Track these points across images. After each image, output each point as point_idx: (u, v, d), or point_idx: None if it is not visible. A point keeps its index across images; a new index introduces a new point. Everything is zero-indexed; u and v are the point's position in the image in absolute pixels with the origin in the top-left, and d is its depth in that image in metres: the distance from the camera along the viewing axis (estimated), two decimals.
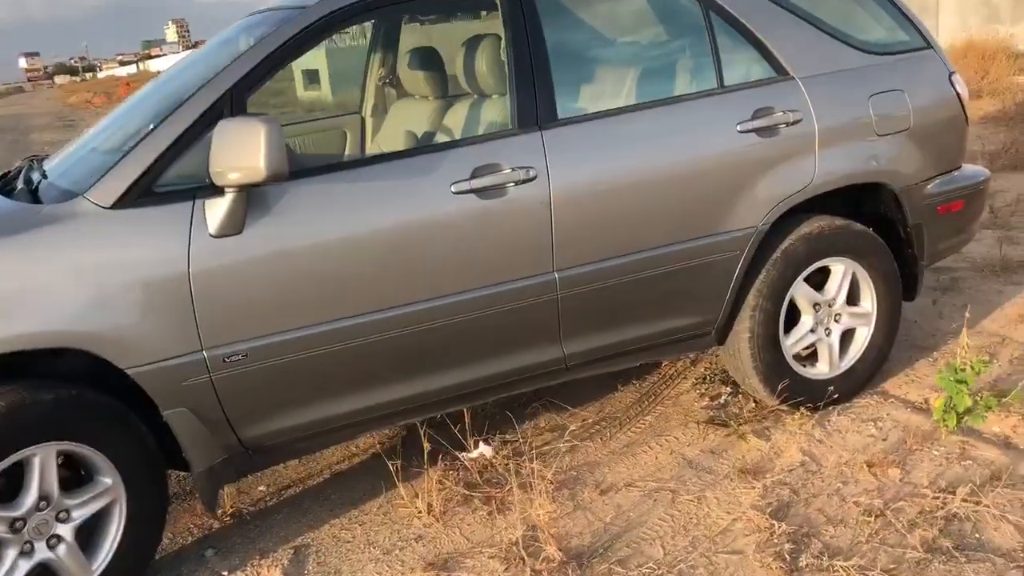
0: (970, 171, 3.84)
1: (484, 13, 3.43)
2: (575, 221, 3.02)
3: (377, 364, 2.89)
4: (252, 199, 2.64)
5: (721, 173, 3.22)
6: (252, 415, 2.77)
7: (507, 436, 3.65)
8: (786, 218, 3.40)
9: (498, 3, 3.05)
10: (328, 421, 2.92)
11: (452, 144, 3.15)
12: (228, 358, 2.66)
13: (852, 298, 3.64)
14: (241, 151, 2.47)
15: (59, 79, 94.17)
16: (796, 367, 3.55)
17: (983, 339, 4.16)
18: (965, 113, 3.73)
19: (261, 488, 3.48)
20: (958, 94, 3.68)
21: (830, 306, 3.57)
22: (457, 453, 3.37)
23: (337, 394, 2.88)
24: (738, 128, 3.23)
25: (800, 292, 3.49)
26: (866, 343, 3.66)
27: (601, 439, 3.58)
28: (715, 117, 3.24)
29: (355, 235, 2.77)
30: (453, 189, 2.86)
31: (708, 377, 4.00)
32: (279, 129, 2.49)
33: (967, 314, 3.67)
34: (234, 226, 2.61)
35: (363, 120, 4.41)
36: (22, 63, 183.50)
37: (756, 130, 3.26)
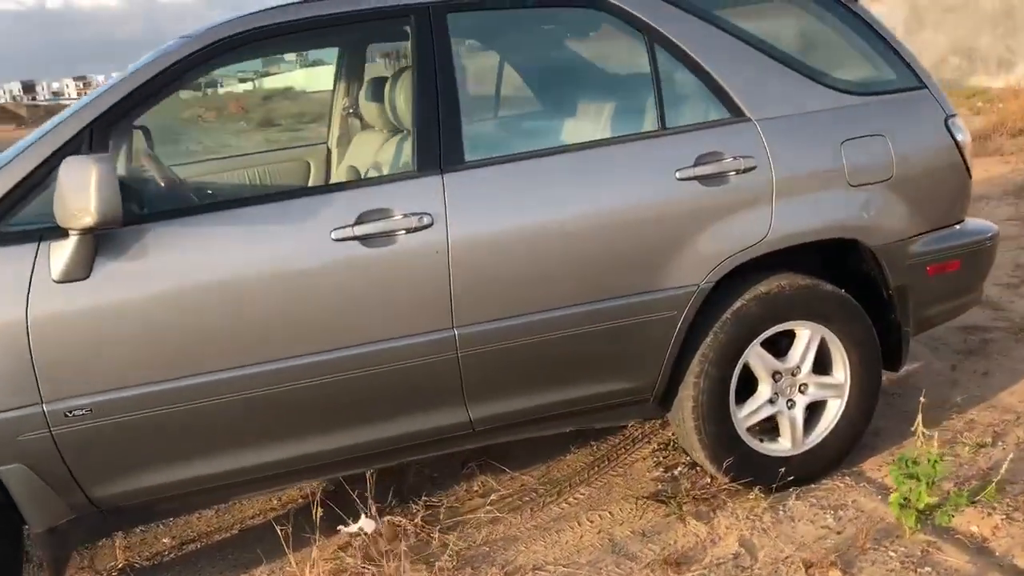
0: (973, 226, 3.39)
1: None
2: (478, 274, 2.72)
3: (246, 423, 2.65)
4: (106, 241, 2.44)
5: (655, 225, 2.88)
6: (102, 473, 2.56)
7: (436, 498, 3.36)
8: (738, 276, 3.02)
9: (409, 31, 2.79)
10: (196, 481, 2.70)
11: (341, 186, 2.90)
12: (71, 412, 2.46)
13: (823, 366, 3.22)
14: (77, 192, 2.27)
15: (185, 94, 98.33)
16: (750, 441, 3.16)
17: (995, 415, 3.68)
18: (966, 161, 3.28)
19: (165, 540, 3.29)
20: (956, 140, 3.24)
21: (793, 375, 3.17)
22: (377, 516, 3.09)
23: (202, 453, 2.65)
24: (677, 175, 2.88)
25: (756, 358, 3.10)
26: (837, 418, 3.24)
27: (531, 510, 3.26)
28: (650, 163, 2.90)
29: (217, 283, 2.55)
30: (334, 236, 2.61)
31: (672, 443, 3.63)
32: (112, 169, 2.28)
33: (959, 399, 3.21)
34: (79, 271, 2.42)
35: (328, 151, 4.21)
36: None
37: (699, 178, 2.90)
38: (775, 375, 3.15)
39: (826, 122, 3.08)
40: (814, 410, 3.26)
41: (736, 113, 2.99)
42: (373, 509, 3.02)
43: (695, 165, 2.90)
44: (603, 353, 2.92)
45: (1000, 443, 3.44)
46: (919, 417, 2.89)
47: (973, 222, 3.43)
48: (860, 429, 3.28)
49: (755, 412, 3.15)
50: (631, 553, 2.93)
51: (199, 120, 12.96)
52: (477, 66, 2.92)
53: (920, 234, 3.21)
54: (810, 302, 3.09)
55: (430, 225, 2.66)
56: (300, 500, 3.44)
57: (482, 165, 2.77)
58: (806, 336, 3.14)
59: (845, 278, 3.20)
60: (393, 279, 2.66)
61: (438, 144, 2.72)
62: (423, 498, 3.36)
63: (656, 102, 2.94)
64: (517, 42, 3.11)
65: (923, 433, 2.83)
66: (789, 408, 3.19)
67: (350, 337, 2.65)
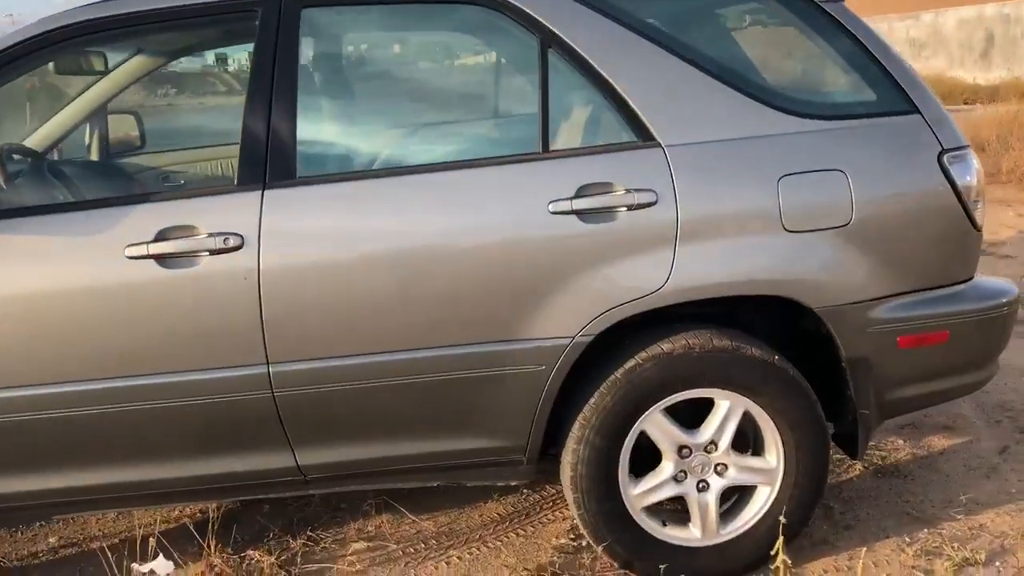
0: (979, 288, 2.69)
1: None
2: (295, 307, 2.41)
3: (49, 443, 2.49)
4: None
5: (519, 265, 2.45)
6: None
7: (321, 533, 3.10)
8: (637, 328, 2.54)
9: (256, 26, 2.50)
10: (11, 497, 2.57)
11: (144, 198, 2.64)
12: None
13: (756, 445, 2.67)
14: None
15: None
16: (647, 524, 2.67)
17: (1017, 521, 2.95)
18: (967, 209, 2.59)
19: (51, 540, 3.22)
20: (951, 180, 2.56)
21: (708, 452, 2.64)
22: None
23: (11, 469, 2.52)
24: (550, 208, 2.43)
25: (656, 428, 2.60)
26: (766, 508, 2.67)
27: (405, 564, 2.92)
28: (520, 191, 2.46)
29: (10, 296, 2.39)
30: (129, 252, 2.37)
31: None
32: None
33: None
34: None
35: None
36: None
37: (578, 212, 2.43)
38: (682, 450, 2.62)
39: (761, 152, 2.50)
40: (744, 495, 2.71)
41: (643, 136, 2.48)
42: (213, 545, 2.79)
43: (575, 197, 2.43)
44: (454, 406, 2.53)
45: (996, 563, 2.74)
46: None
47: (982, 283, 2.72)
48: (797, 525, 2.68)
49: (654, 490, 2.65)
50: None
51: None
52: (334, 69, 2.57)
53: (888, 296, 2.57)
54: (727, 368, 2.54)
55: (239, 247, 2.37)
56: (199, 515, 3.27)
57: (315, 182, 2.44)
58: (724, 408, 2.60)
59: (807, 341, 2.62)
60: (196, 305, 2.39)
61: (265, 156, 2.42)
62: (308, 532, 3.10)
63: (541, 118, 2.48)
64: (384, 43, 2.72)
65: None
66: (700, 491, 2.66)
67: (149, 364, 2.42)
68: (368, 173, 2.48)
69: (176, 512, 3.24)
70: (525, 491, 3.33)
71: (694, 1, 2.69)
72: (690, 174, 2.46)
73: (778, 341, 2.63)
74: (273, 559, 2.90)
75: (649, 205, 2.44)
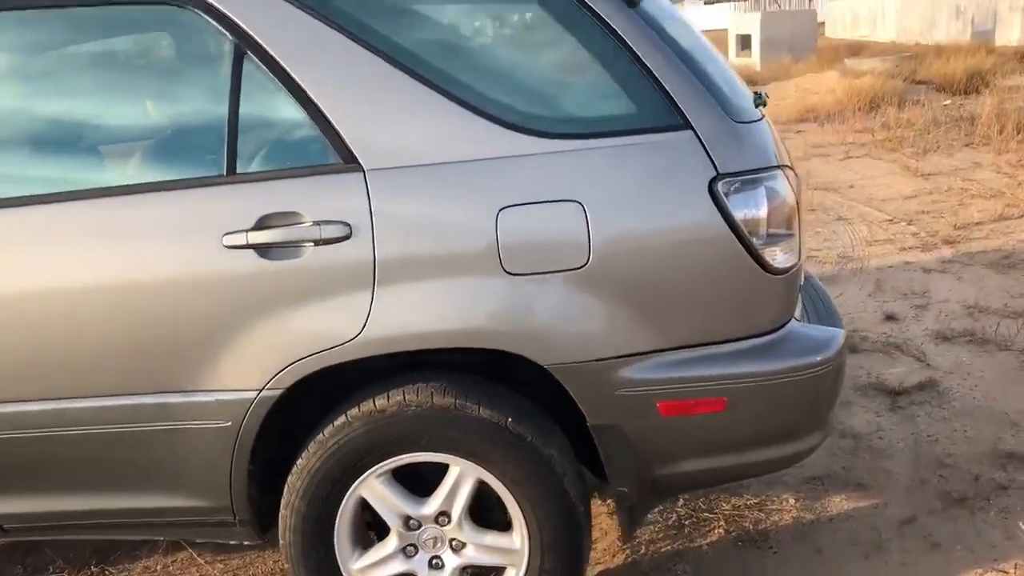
0: (792, 342, 2.19)
1: None
2: None
3: None
4: None
5: (190, 307, 2.14)
6: None
7: (109, 568, 2.92)
8: (335, 383, 2.20)
9: None
10: None
11: None
12: None
13: (504, 521, 2.28)
14: None
15: None
16: None
17: None
18: (748, 245, 2.09)
19: None
20: (725, 213, 2.07)
21: (441, 525, 2.27)
22: None
23: None
24: (224, 241, 2.11)
25: (374, 495, 2.25)
26: None
27: None
28: (193, 221, 2.14)
29: None
30: None
31: None
32: None
33: None
34: None
35: None
36: None
37: (256, 246, 2.10)
38: (410, 521, 2.26)
39: (481, 178, 2.09)
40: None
41: (346, 158, 2.12)
42: None
43: (252, 229, 2.10)
44: (137, 461, 2.27)
45: None
46: None
47: (796, 335, 2.21)
48: None
49: (378, 565, 2.31)
50: None
51: None
52: None
53: (642, 353, 2.11)
54: (448, 430, 2.16)
55: None
56: None
57: None
58: (454, 476, 2.22)
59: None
60: None
61: None
62: (94, 567, 2.93)
63: (228, 136, 2.15)
64: (66, 53, 2.42)
65: None
66: (433, 568, 2.29)
67: None
68: (11, 200, 2.19)
69: None
70: None
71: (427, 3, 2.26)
72: (393, 204, 2.08)
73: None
74: None
75: (340, 240, 2.07)
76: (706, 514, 2.98)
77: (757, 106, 2.63)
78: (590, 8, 2.10)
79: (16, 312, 2.14)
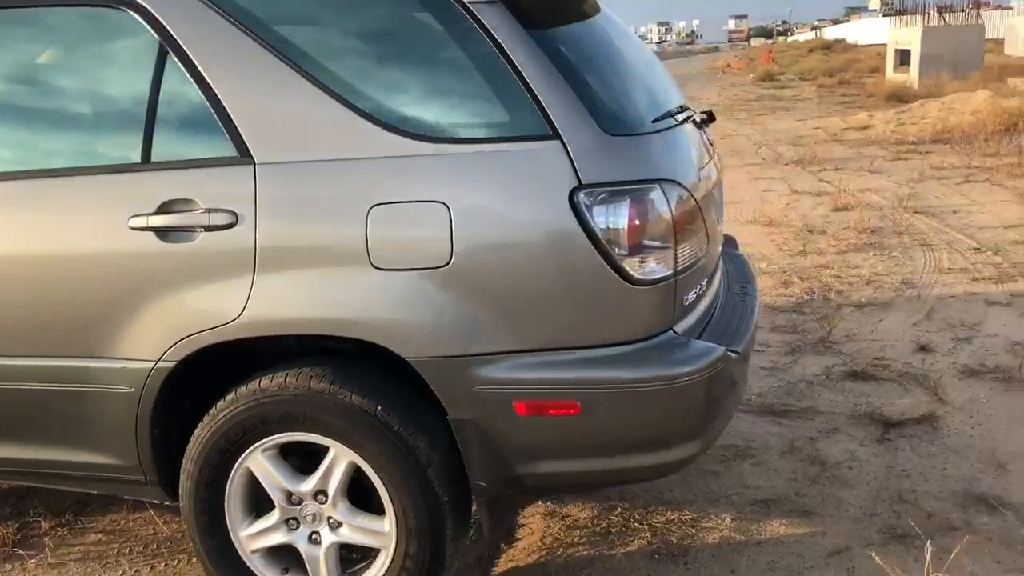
0: (660, 353, 2.22)
1: None
2: None
3: None
4: None
5: (101, 281, 2.37)
6: None
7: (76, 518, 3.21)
8: (242, 357, 2.39)
9: None
10: None
11: None
12: None
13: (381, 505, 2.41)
14: None
15: (755, 42, 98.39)
16: (260, 569, 2.50)
17: None
18: (608, 256, 2.14)
19: None
20: (584, 223, 2.13)
21: (320, 502, 2.42)
22: None
23: None
24: (130, 224, 2.33)
25: (258, 468, 2.42)
26: (384, 571, 2.41)
27: (113, 565, 2.96)
28: (108, 204, 2.37)
29: None
30: None
31: None
32: None
33: None
34: None
35: None
36: (730, 24, 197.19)
37: (156, 229, 2.31)
38: (292, 496, 2.42)
39: (356, 176, 2.22)
40: (373, 557, 2.45)
41: (242, 152, 2.29)
42: None
43: (154, 213, 2.31)
44: (57, 418, 2.51)
45: None
46: None
47: (667, 346, 2.23)
48: None
49: (263, 534, 2.47)
50: None
51: None
52: None
53: (502, 353, 2.19)
54: (322, 413, 2.30)
55: None
56: None
57: None
58: (330, 457, 2.36)
59: None
60: None
61: None
62: (63, 517, 3.22)
63: (146, 127, 2.37)
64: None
65: None
66: (312, 543, 2.44)
67: None
68: None
69: None
70: None
71: (319, 6, 2.39)
72: (276, 196, 2.24)
73: None
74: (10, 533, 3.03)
75: (227, 227, 2.25)
76: (636, 524, 2.99)
77: (702, 124, 2.64)
78: (474, 16, 2.18)
79: None
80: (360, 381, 2.29)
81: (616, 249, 2.12)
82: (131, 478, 2.55)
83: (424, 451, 2.27)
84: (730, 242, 3.49)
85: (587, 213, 2.10)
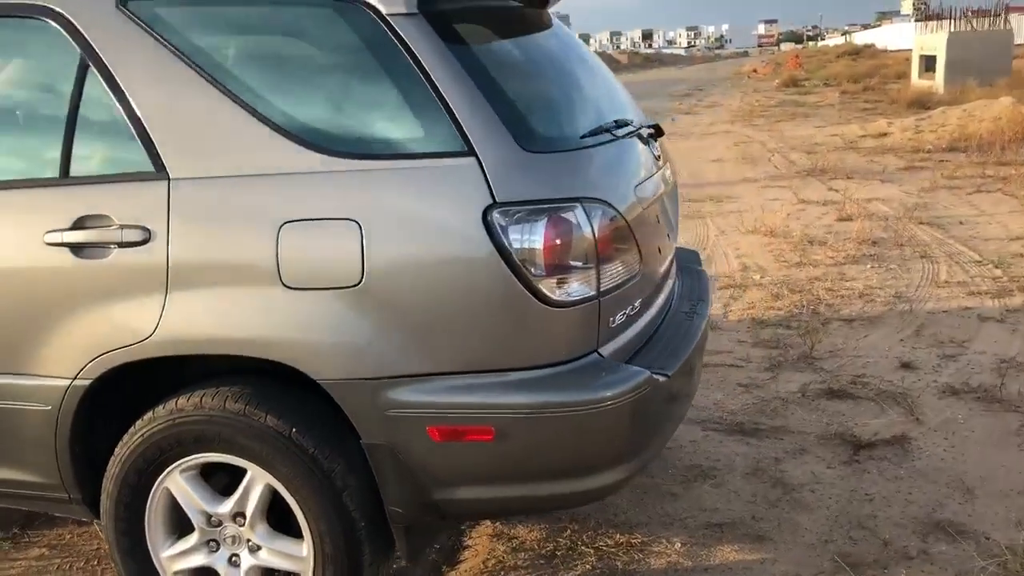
0: (580, 377, 2.15)
1: None
2: None
3: None
4: None
5: (15, 296, 2.34)
6: None
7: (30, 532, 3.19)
8: (159, 375, 2.35)
9: None
10: None
11: None
12: None
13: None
14: None
15: (785, 46, 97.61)
16: None
17: None
18: (522, 277, 2.07)
19: None
20: (498, 242, 2.06)
21: (239, 524, 2.37)
22: None
23: None
24: (46, 239, 2.30)
25: (176, 489, 2.37)
26: None
27: None
28: (25, 218, 2.34)
29: None
30: None
31: None
32: None
33: None
34: None
35: None
36: (760, 29, 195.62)
37: (70, 245, 2.28)
38: (211, 518, 2.37)
39: (267, 192, 2.17)
40: None
41: (157, 168, 2.25)
42: None
43: (68, 228, 2.27)
44: None
45: None
46: None
47: (588, 370, 2.16)
48: None
49: (183, 555, 2.43)
50: None
51: None
52: None
53: (412, 376, 2.13)
54: (236, 434, 2.25)
55: None
56: None
57: None
58: (246, 479, 2.31)
59: None
60: None
61: None
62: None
63: (64, 141, 2.34)
64: None
65: None
66: (232, 565, 2.39)
67: None
68: None
69: None
70: None
71: (242, 15, 2.35)
72: (188, 212, 2.20)
73: None
74: None
75: (140, 244, 2.20)
76: (583, 547, 2.92)
77: (648, 138, 2.57)
78: (392, 29, 2.12)
79: None
80: (276, 402, 2.24)
81: (532, 270, 2.05)
82: (54, 496, 2.52)
83: (340, 475, 2.21)
84: (691, 257, 3.41)
85: (501, 232, 2.04)
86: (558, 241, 2.07)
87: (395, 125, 2.16)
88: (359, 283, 2.08)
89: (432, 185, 2.08)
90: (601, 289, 2.16)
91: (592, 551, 2.90)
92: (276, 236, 2.12)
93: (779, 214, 7.90)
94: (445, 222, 2.07)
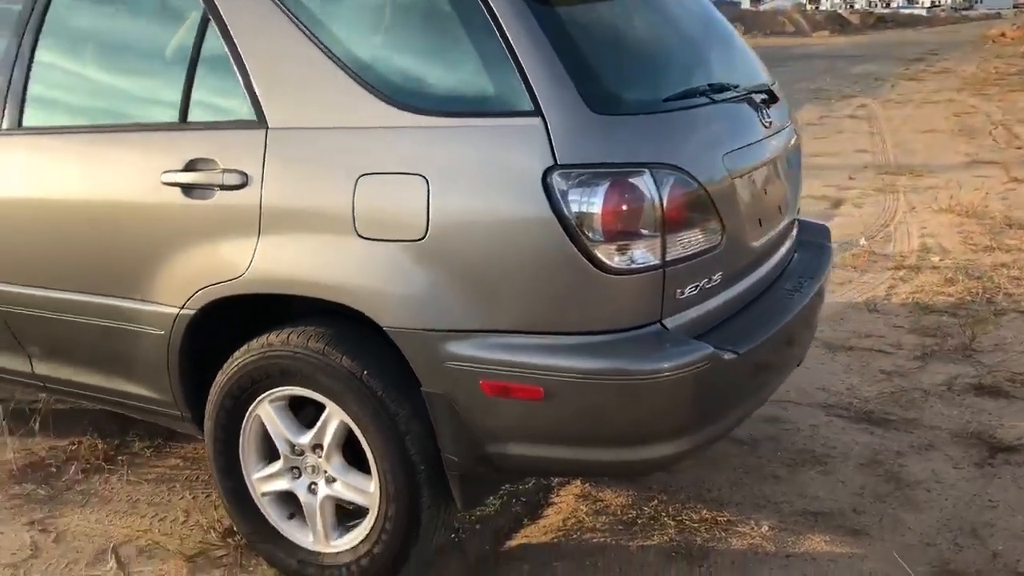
0: (637, 347, 2.15)
1: None
2: None
3: None
4: None
5: (138, 229, 2.58)
6: None
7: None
8: (259, 311, 2.54)
9: None
10: None
11: None
12: None
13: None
14: None
15: None
16: (268, 513, 2.66)
17: None
18: (578, 242, 2.08)
19: None
20: (560, 209, 2.08)
21: (318, 455, 2.54)
22: None
23: None
24: (162, 178, 2.53)
25: (266, 418, 2.57)
26: (364, 535, 2.50)
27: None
28: (146, 159, 2.57)
29: None
30: None
31: None
32: None
33: None
34: None
35: None
36: None
37: (182, 185, 2.49)
38: (293, 447, 2.56)
39: (350, 145, 2.28)
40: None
41: (259, 118, 2.42)
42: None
43: (182, 170, 2.49)
44: (104, 349, 2.77)
45: None
46: None
47: (648, 340, 2.16)
48: (380, 570, 2.46)
49: (270, 479, 2.62)
50: None
51: None
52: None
53: (471, 331, 2.20)
54: (316, 372, 2.41)
55: None
56: None
57: None
58: (325, 414, 2.48)
59: None
60: None
61: None
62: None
63: (184, 89, 2.55)
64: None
65: None
66: (311, 492, 2.57)
67: None
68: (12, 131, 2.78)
69: None
70: None
71: None
72: (281, 160, 2.34)
73: None
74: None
75: (238, 187, 2.38)
76: (665, 519, 2.90)
77: (761, 104, 2.49)
78: None
79: (25, 217, 2.72)
80: (352, 345, 2.35)
81: (589, 235, 2.05)
82: (171, 412, 2.77)
83: (404, 420, 2.30)
84: (820, 231, 3.25)
85: (559, 195, 2.04)
86: (619, 207, 2.05)
87: (468, 83, 2.19)
88: (423, 237, 2.14)
89: (497, 144, 2.11)
90: (667, 259, 2.12)
91: (674, 523, 2.87)
92: (354, 187, 2.21)
93: (980, 192, 7.29)
94: (506, 182, 2.09)
